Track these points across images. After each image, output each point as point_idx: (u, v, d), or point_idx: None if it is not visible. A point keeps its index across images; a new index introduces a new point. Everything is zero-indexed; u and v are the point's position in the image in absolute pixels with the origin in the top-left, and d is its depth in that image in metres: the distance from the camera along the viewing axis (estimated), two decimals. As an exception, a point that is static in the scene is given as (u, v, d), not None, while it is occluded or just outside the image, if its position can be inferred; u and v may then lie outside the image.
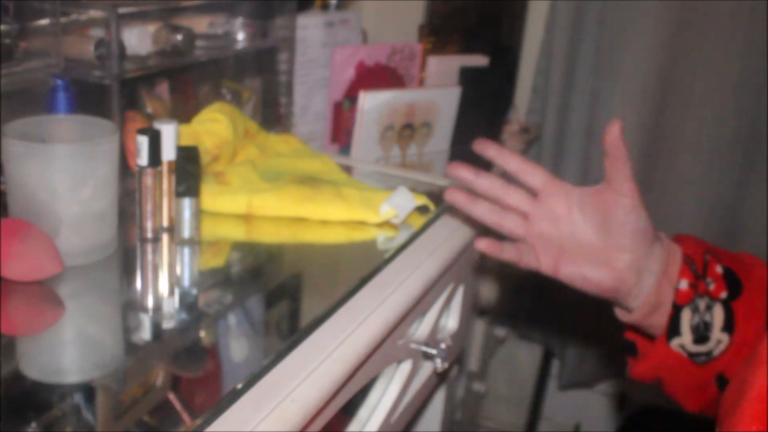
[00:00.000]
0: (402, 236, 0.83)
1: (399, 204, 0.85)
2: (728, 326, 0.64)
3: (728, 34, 1.54)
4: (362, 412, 0.78)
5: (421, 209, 0.89)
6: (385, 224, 0.85)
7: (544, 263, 0.68)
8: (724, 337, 0.64)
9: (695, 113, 1.61)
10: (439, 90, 1.27)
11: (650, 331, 0.67)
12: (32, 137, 0.69)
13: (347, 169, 1.03)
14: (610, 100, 1.61)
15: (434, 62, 1.37)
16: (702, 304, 0.64)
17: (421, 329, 0.84)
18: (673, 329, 0.64)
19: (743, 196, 1.65)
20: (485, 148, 0.71)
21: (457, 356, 1.00)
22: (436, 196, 0.93)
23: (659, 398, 0.74)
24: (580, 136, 1.68)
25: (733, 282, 0.65)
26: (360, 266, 0.76)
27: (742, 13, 1.52)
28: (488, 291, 1.47)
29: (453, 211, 0.89)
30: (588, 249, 0.66)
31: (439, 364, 0.80)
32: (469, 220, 0.78)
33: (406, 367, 0.80)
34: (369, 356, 0.65)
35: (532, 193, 0.70)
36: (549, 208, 0.69)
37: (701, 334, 0.64)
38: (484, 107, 1.34)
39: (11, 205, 0.69)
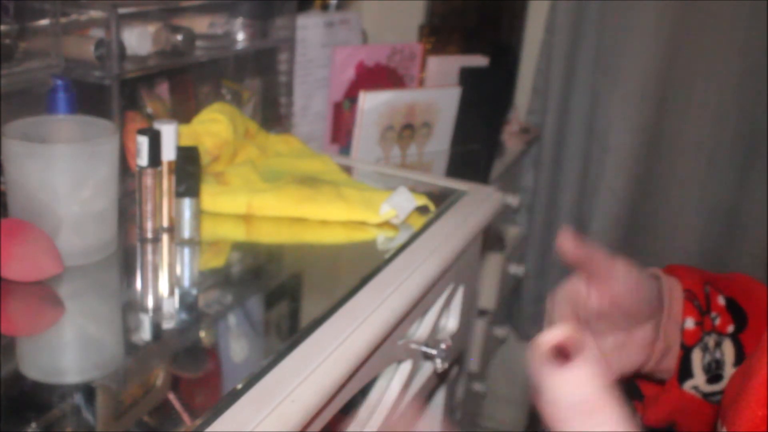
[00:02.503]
0: (402, 236, 0.83)
1: (399, 204, 0.85)
2: (740, 361, 0.60)
3: (728, 34, 1.54)
4: (362, 412, 0.78)
5: (421, 209, 0.89)
6: (385, 224, 0.85)
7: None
8: None
9: (695, 113, 1.61)
10: (439, 90, 1.27)
11: (660, 376, 0.63)
12: (32, 137, 0.69)
13: (347, 169, 1.03)
14: (610, 100, 1.61)
15: (434, 62, 1.37)
16: (711, 341, 0.60)
17: (421, 329, 0.84)
18: (685, 372, 0.61)
19: (743, 196, 1.65)
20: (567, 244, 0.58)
21: (457, 356, 1.00)
22: (436, 196, 0.93)
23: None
24: (580, 136, 1.68)
25: (737, 313, 0.61)
26: (360, 266, 0.76)
27: (742, 13, 1.52)
28: (488, 291, 1.47)
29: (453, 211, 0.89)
30: (614, 342, 0.60)
31: (439, 365, 0.80)
32: None
33: (406, 367, 0.80)
34: (369, 356, 0.65)
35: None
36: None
37: (714, 373, 0.60)
38: (484, 107, 1.34)
39: (11, 205, 0.69)
